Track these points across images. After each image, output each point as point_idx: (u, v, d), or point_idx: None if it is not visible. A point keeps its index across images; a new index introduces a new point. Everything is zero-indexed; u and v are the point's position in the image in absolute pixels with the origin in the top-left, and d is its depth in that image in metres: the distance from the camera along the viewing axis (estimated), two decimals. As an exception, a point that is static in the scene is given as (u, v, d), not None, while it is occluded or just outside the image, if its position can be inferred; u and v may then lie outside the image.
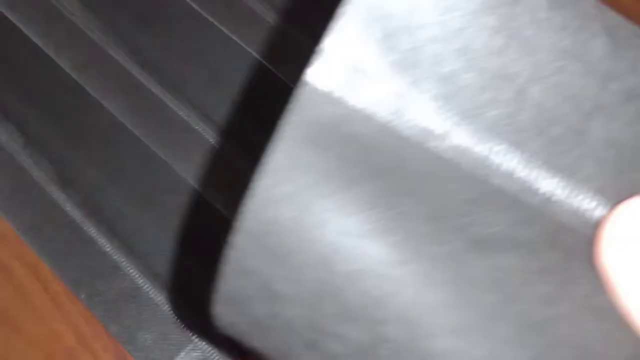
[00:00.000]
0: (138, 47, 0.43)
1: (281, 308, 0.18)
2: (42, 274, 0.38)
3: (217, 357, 0.36)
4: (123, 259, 0.38)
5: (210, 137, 0.40)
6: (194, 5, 0.45)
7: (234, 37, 0.44)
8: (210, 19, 0.44)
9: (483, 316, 0.17)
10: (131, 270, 0.37)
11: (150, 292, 0.37)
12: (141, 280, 0.37)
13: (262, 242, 0.17)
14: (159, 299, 0.37)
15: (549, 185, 0.17)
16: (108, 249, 0.38)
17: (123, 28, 0.44)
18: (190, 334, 0.36)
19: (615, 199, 0.17)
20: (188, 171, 0.40)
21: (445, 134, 0.17)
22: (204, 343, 0.36)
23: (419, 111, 0.17)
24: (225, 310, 0.19)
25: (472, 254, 0.17)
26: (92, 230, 0.38)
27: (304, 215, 0.17)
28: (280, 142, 0.17)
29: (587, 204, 0.17)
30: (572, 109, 0.17)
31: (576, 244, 0.17)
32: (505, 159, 0.17)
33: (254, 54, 0.43)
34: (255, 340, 0.19)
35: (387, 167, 0.17)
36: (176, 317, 0.36)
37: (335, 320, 0.17)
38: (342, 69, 0.17)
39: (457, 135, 0.17)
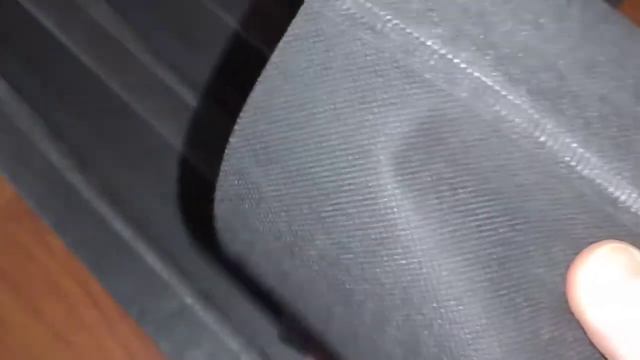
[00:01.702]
0: (184, 68, 0.44)
1: (266, 210, 0.18)
2: (93, 290, 0.38)
3: (266, 377, 0.36)
4: (173, 278, 0.38)
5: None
6: (233, 24, 0.46)
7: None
8: (249, 38, 0.45)
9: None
10: (181, 289, 0.38)
11: (200, 312, 0.37)
12: (190, 300, 0.38)
13: (254, 146, 0.18)
14: (209, 318, 0.37)
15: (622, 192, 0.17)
16: (158, 267, 0.38)
17: (168, 48, 0.45)
18: (239, 353, 0.36)
19: None
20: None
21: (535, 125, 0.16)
22: (252, 362, 0.36)
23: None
24: (223, 220, 0.19)
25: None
26: (142, 248, 0.39)
27: (298, 115, 0.17)
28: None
29: None
30: None
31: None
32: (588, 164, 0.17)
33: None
34: (250, 257, 0.20)
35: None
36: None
37: (313, 224, 0.18)
38: None
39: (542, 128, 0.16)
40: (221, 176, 0.19)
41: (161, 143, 0.42)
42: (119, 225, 0.39)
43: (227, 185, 0.19)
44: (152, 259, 0.39)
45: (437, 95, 0.16)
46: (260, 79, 0.18)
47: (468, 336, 0.17)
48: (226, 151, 0.18)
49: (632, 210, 0.16)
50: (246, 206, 0.19)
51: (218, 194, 0.19)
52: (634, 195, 0.16)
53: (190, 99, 0.43)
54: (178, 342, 0.37)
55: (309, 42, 0.17)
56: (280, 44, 0.17)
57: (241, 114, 0.18)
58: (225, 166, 0.19)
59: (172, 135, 0.42)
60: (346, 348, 0.19)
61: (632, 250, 0.17)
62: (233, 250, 0.20)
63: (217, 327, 0.37)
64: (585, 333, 0.17)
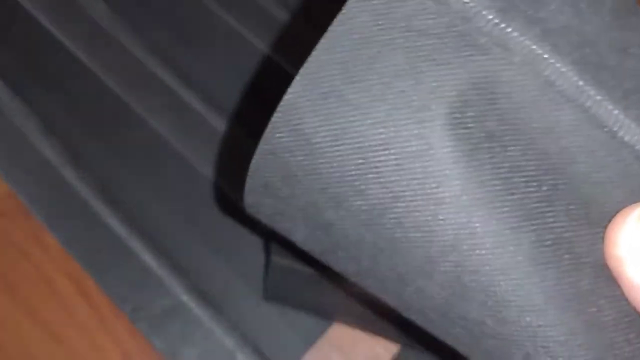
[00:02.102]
0: (182, 66, 0.44)
1: (316, 163, 0.19)
2: (87, 288, 0.38)
3: (261, 375, 0.36)
4: (167, 275, 0.38)
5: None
6: (233, 23, 0.45)
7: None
8: (249, 36, 0.45)
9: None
10: (176, 286, 0.38)
11: (195, 309, 0.37)
12: (185, 297, 0.37)
13: (313, 95, 0.18)
14: (203, 315, 0.37)
15: None
16: (152, 264, 0.38)
17: (165, 46, 0.45)
18: (234, 351, 0.36)
19: None
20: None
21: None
22: (248, 358, 0.36)
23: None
24: (259, 176, 0.20)
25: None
26: (136, 245, 0.39)
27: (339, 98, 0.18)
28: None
29: None
30: None
31: None
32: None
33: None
34: (286, 211, 0.20)
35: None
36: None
37: (365, 175, 0.18)
38: None
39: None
40: (270, 128, 0.19)
41: (156, 140, 0.42)
42: (113, 222, 0.39)
43: (275, 138, 0.19)
44: (146, 256, 0.38)
45: (491, 58, 0.18)
46: (326, 33, 0.18)
47: (512, 282, 0.18)
48: (282, 103, 0.19)
49: None
50: (293, 159, 0.19)
51: (264, 148, 0.20)
52: None
53: (187, 96, 0.43)
54: (172, 340, 0.36)
55: (374, 2, 0.18)
56: (348, 3, 0.18)
57: (306, 64, 0.19)
58: (278, 117, 0.19)
59: (168, 132, 0.42)
60: (387, 292, 0.20)
61: None
62: (264, 208, 0.21)
63: (212, 324, 0.37)
64: (622, 290, 0.18)
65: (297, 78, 0.19)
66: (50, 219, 0.39)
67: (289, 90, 0.19)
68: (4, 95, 0.43)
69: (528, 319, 0.18)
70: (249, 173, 0.20)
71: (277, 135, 0.19)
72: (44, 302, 0.37)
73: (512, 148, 0.18)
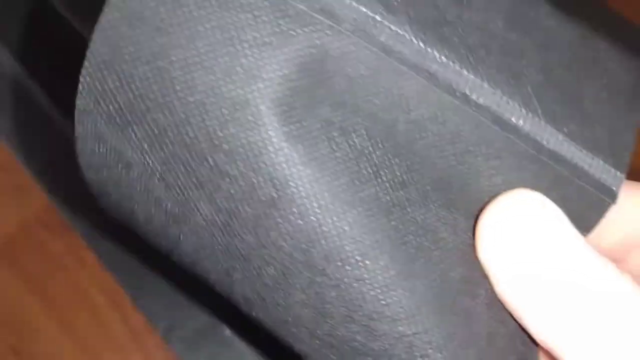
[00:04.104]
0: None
1: (138, 177, 0.16)
2: (121, 304, 0.38)
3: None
4: (201, 294, 0.38)
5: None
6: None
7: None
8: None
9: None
10: (209, 307, 0.38)
11: (227, 330, 0.37)
12: (218, 318, 0.38)
13: (107, 107, 0.16)
14: (235, 336, 0.37)
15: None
16: (186, 282, 0.38)
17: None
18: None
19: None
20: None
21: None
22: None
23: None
24: (96, 188, 0.17)
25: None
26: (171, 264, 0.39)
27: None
28: None
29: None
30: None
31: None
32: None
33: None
34: (137, 226, 0.18)
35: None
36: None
37: (192, 190, 0.16)
38: None
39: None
40: (78, 143, 0.17)
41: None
42: (150, 239, 0.40)
43: (87, 153, 0.17)
44: (180, 274, 0.39)
45: (315, 29, 0.15)
46: (97, 26, 0.15)
47: (378, 291, 0.16)
48: (75, 116, 0.16)
49: (532, 135, 0.16)
50: (114, 174, 0.17)
51: (81, 162, 0.17)
52: (530, 119, 0.16)
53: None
54: (204, 360, 0.37)
55: None
56: None
57: (83, 72, 0.15)
58: (79, 132, 0.16)
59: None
60: (253, 311, 0.18)
61: (541, 199, 0.16)
62: (120, 219, 0.18)
63: (243, 346, 0.37)
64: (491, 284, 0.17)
65: (80, 88, 0.16)
66: (89, 234, 0.40)
67: (77, 101, 0.16)
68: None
69: (401, 328, 0.16)
70: (87, 183, 0.18)
71: (87, 150, 0.17)
72: (79, 315, 0.38)
73: (354, 134, 0.16)
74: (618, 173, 0.17)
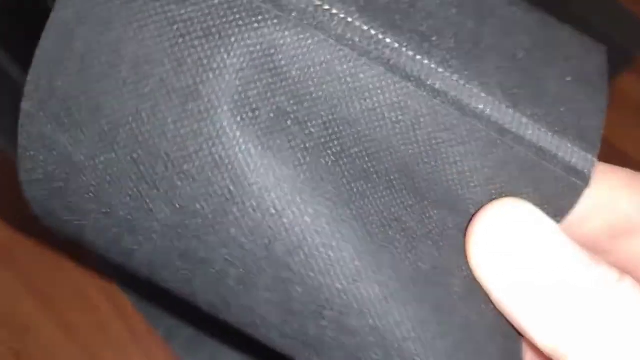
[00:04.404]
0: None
1: (86, 184, 0.15)
2: (122, 305, 0.38)
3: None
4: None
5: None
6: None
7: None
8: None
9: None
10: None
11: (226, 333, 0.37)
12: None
13: (54, 108, 0.15)
14: (234, 338, 0.37)
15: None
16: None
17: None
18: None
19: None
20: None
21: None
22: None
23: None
24: (37, 204, 0.17)
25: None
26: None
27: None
28: None
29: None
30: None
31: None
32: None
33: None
34: (83, 239, 0.17)
35: None
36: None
37: (145, 191, 0.15)
38: None
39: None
40: (21, 153, 0.16)
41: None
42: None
43: (30, 163, 0.16)
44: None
45: (263, 19, 0.15)
46: (48, 23, 0.15)
47: (344, 283, 0.15)
48: (20, 121, 0.15)
49: (493, 119, 0.16)
50: (60, 184, 0.16)
51: (22, 175, 0.16)
52: (490, 103, 0.16)
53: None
54: (205, 361, 0.37)
55: None
56: None
57: (30, 71, 0.15)
58: (23, 140, 0.16)
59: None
60: (221, 315, 0.17)
61: (529, 207, 0.16)
62: (64, 234, 0.18)
63: (242, 347, 0.37)
64: (489, 297, 0.17)
65: (27, 88, 0.15)
66: (89, 234, 0.40)
67: (22, 104, 0.15)
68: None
69: (371, 321, 0.16)
70: (28, 200, 0.17)
71: (31, 159, 0.16)
72: (79, 316, 0.38)
73: (310, 124, 0.15)
74: (589, 156, 0.16)
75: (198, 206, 0.15)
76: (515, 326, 0.17)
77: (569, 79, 0.17)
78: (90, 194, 0.16)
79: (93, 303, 0.38)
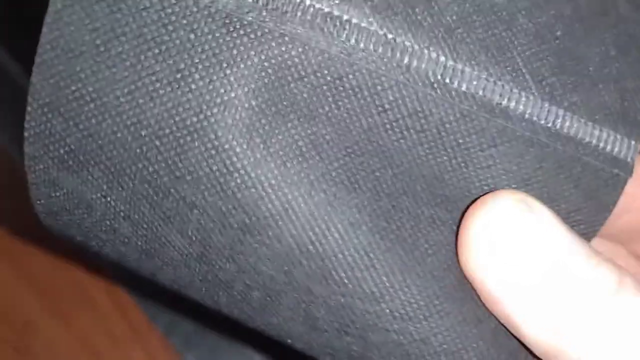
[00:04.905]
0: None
1: (102, 218, 0.15)
2: (122, 301, 0.38)
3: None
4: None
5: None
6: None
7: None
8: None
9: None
10: (209, 303, 0.38)
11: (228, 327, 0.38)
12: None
13: (57, 152, 0.15)
14: (236, 333, 0.37)
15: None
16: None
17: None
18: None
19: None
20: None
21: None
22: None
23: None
24: (59, 232, 0.16)
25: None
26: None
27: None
28: None
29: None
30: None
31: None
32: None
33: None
34: (110, 258, 0.17)
35: None
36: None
37: (161, 224, 0.15)
38: None
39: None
40: (32, 189, 0.16)
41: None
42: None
43: (43, 199, 0.16)
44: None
45: (266, 39, 0.13)
46: (34, 67, 0.14)
47: (369, 305, 0.15)
48: (26, 163, 0.15)
49: (526, 116, 0.14)
50: (76, 218, 0.16)
51: (38, 208, 0.16)
52: (523, 99, 0.14)
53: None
54: (204, 356, 0.37)
55: (87, 3, 0.13)
56: (48, 17, 0.13)
57: (27, 117, 0.14)
58: (33, 179, 0.15)
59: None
60: (247, 325, 0.17)
61: (530, 201, 0.15)
62: (93, 254, 0.18)
63: (243, 342, 0.37)
64: (480, 298, 0.15)
65: (26, 134, 0.15)
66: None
67: (25, 148, 0.15)
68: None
69: (395, 337, 0.15)
70: (45, 227, 0.16)
71: (43, 195, 0.15)
72: (79, 312, 0.38)
73: (327, 146, 0.14)
74: (632, 142, 0.15)
75: (214, 238, 0.15)
76: (512, 330, 0.16)
77: (613, 52, 0.15)
78: (107, 227, 0.16)
79: (93, 299, 0.38)
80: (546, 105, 0.15)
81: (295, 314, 0.16)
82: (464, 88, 0.14)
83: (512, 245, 0.15)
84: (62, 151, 0.15)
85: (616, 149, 0.15)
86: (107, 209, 0.15)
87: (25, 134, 0.15)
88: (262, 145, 0.14)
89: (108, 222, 0.15)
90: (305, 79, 0.14)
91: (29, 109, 0.14)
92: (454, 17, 0.14)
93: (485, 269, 0.15)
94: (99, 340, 0.37)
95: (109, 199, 0.15)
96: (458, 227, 0.15)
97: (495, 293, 0.15)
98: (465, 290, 0.16)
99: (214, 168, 0.14)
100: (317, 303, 0.15)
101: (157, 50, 0.13)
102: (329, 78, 0.14)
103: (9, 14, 0.42)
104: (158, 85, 0.14)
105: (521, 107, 0.15)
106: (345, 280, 0.15)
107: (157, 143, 0.14)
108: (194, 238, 0.15)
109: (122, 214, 0.15)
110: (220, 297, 0.16)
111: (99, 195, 0.15)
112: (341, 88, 0.14)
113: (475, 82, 0.14)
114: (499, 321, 0.16)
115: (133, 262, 0.16)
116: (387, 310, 0.15)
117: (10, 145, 0.41)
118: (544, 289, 0.15)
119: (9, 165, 0.40)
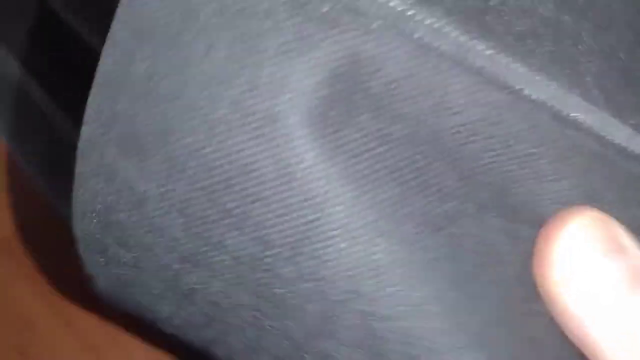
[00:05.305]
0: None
1: (150, 215, 0.15)
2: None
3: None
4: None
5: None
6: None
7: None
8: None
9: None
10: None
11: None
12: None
13: (118, 132, 0.14)
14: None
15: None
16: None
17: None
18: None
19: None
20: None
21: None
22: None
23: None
24: (88, 242, 0.16)
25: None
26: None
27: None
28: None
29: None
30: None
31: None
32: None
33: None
34: (136, 281, 0.16)
35: None
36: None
37: (218, 220, 0.14)
38: None
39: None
40: (77, 183, 0.15)
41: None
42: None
43: (88, 193, 0.15)
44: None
45: (342, 31, 0.13)
46: (106, 45, 0.14)
47: (435, 321, 0.14)
48: (79, 146, 0.15)
49: (596, 131, 0.14)
50: (120, 216, 0.15)
51: (77, 209, 0.15)
52: (592, 113, 0.14)
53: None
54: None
55: None
56: None
57: (90, 96, 0.14)
58: (82, 167, 0.15)
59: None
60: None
61: (609, 221, 0.15)
62: (107, 281, 0.17)
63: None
64: (554, 315, 0.15)
65: (88, 112, 0.14)
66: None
67: (83, 129, 0.15)
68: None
69: None
70: (75, 239, 0.16)
71: (89, 189, 0.15)
72: (83, 313, 0.38)
73: (397, 143, 0.14)
74: None
75: (275, 236, 0.14)
76: (583, 347, 0.15)
77: None
78: (155, 226, 0.15)
79: (95, 298, 0.38)
80: (614, 121, 0.14)
81: (357, 333, 0.15)
82: (535, 96, 0.14)
83: (593, 263, 0.14)
84: (123, 131, 0.14)
85: None
86: (161, 202, 0.14)
87: (87, 113, 0.14)
88: (332, 137, 0.14)
89: (157, 221, 0.15)
90: (378, 73, 0.14)
91: (94, 87, 0.14)
92: (525, 28, 0.14)
93: (567, 285, 0.15)
94: (103, 342, 0.37)
95: (164, 189, 0.14)
96: (520, 239, 0.15)
97: (575, 310, 0.15)
98: (531, 304, 0.15)
99: (282, 158, 0.14)
100: (380, 317, 0.15)
101: (232, 33, 0.13)
102: (400, 74, 0.14)
103: (8, 9, 0.42)
104: (231, 68, 0.13)
105: (591, 120, 0.14)
106: (401, 292, 0.14)
107: (226, 128, 0.14)
108: (252, 236, 0.14)
109: (176, 208, 0.14)
110: (268, 321, 0.15)
111: (154, 185, 0.15)
112: (415, 85, 0.14)
113: (546, 91, 0.14)
114: (566, 342, 0.15)
115: (172, 274, 0.15)
116: (447, 341, 0.14)
117: (9, 145, 0.41)
118: (627, 307, 0.14)
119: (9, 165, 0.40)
